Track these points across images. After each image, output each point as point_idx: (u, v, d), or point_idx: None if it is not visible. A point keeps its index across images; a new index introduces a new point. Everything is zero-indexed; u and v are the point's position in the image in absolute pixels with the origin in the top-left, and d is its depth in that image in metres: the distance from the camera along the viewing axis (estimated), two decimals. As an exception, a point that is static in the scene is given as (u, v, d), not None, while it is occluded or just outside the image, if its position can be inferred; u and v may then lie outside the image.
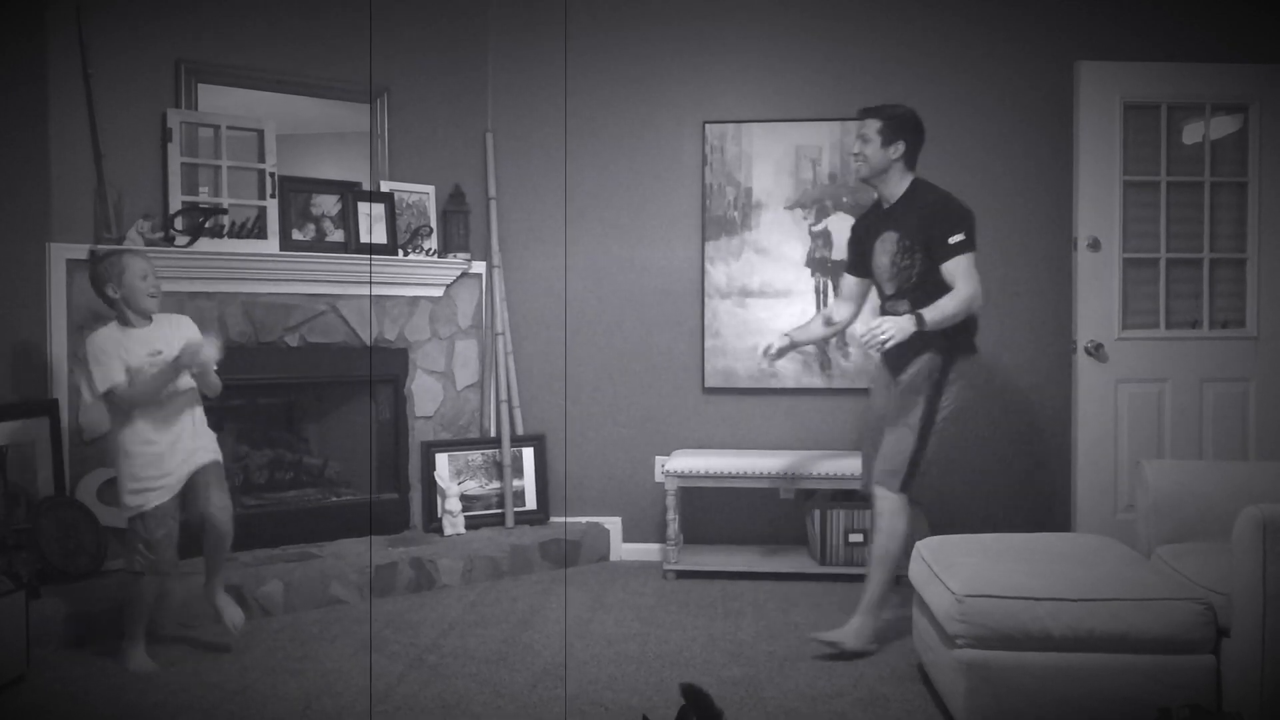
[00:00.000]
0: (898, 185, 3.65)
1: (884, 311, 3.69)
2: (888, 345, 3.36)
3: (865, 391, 4.95)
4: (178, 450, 3.48)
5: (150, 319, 3.53)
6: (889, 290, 3.71)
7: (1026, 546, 3.26)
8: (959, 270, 3.48)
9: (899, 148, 3.60)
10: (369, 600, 4.26)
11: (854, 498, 4.66)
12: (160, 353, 3.46)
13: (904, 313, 3.49)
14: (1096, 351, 4.57)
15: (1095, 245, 4.57)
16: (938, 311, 3.43)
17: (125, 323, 3.49)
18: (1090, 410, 4.58)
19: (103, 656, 3.53)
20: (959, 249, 3.47)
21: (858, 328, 3.60)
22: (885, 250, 3.66)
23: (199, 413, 3.59)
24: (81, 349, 3.57)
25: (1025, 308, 4.93)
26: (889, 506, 3.58)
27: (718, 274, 5.05)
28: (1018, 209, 4.93)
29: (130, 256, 3.54)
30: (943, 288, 3.49)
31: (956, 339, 3.56)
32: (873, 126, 3.62)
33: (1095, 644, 2.79)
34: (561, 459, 5.18)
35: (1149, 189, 4.62)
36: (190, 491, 3.50)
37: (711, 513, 5.06)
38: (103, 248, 3.97)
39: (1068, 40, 4.82)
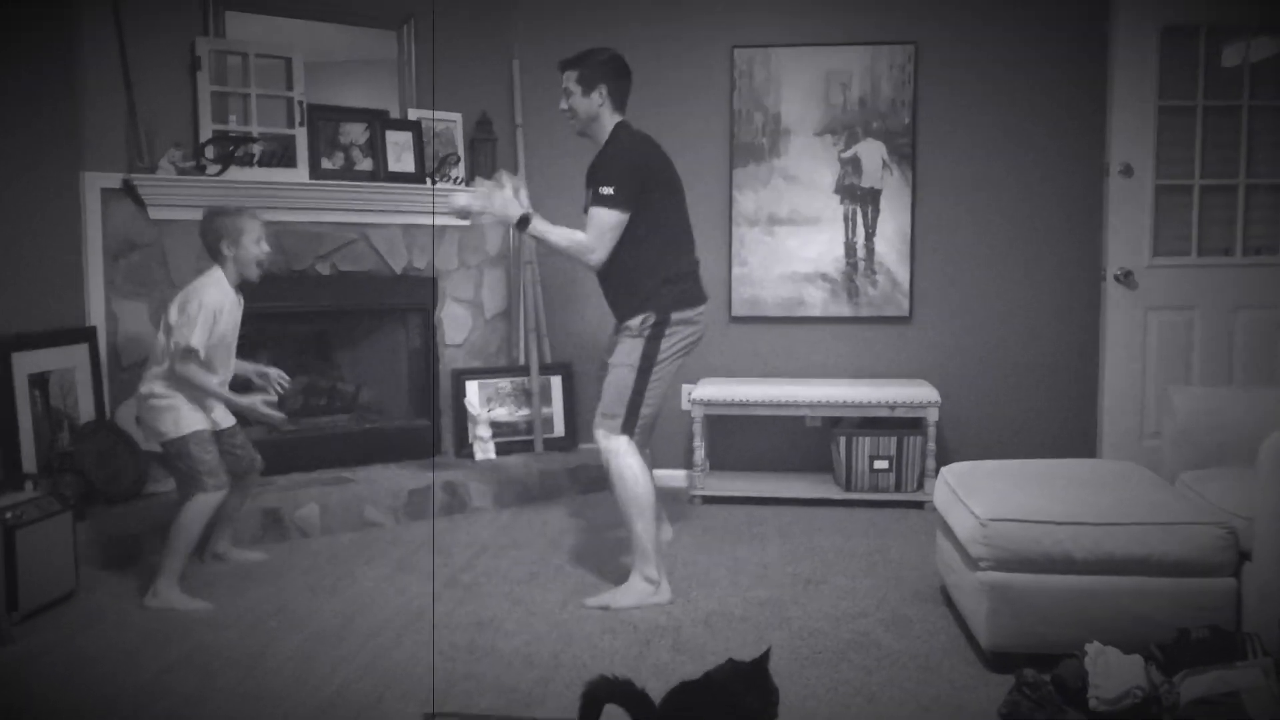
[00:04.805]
0: (607, 132, 3.52)
1: None
2: (483, 216, 3.54)
3: (892, 320, 5.00)
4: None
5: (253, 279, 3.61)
6: None
7: (1050, 472, 3.29)
8: (592, 219, 3.39)
9: (601, 92, 3.47)
10: (403, 522, 4.37)
11: (879, 425, 4.70)
12: (238, 327, 3.58)
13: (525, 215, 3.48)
14: (1126, 279, 4.55)
15: (1127, 171, 4.52)
16: (547, 229, 3.46)
17: (229, 278, 3.53)
18: (1119, 338, 4.57)
19: (144, 576, 3.64)
20: (602, 201, 3.37)
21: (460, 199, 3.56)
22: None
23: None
24: (193, 291, 3.48)
25: (1054, 235, 4.90)
26: (613, 447, 3.42)
27: (745, 201, 5.04)
28: (1049, 134, 4.87)
29: (250, 219, 3.54)
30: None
31: (670, 296, 3.45)
32: (571, 77, 3.50)
33: (1116, 567, 2.83)
34: (589, 387, 5.22)
35: (1184, 114, 4.55)
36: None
37: (738, 440, 5.11)
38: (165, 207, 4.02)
39: (1104, -39, 4.72)
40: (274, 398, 3.68)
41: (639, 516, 3.43)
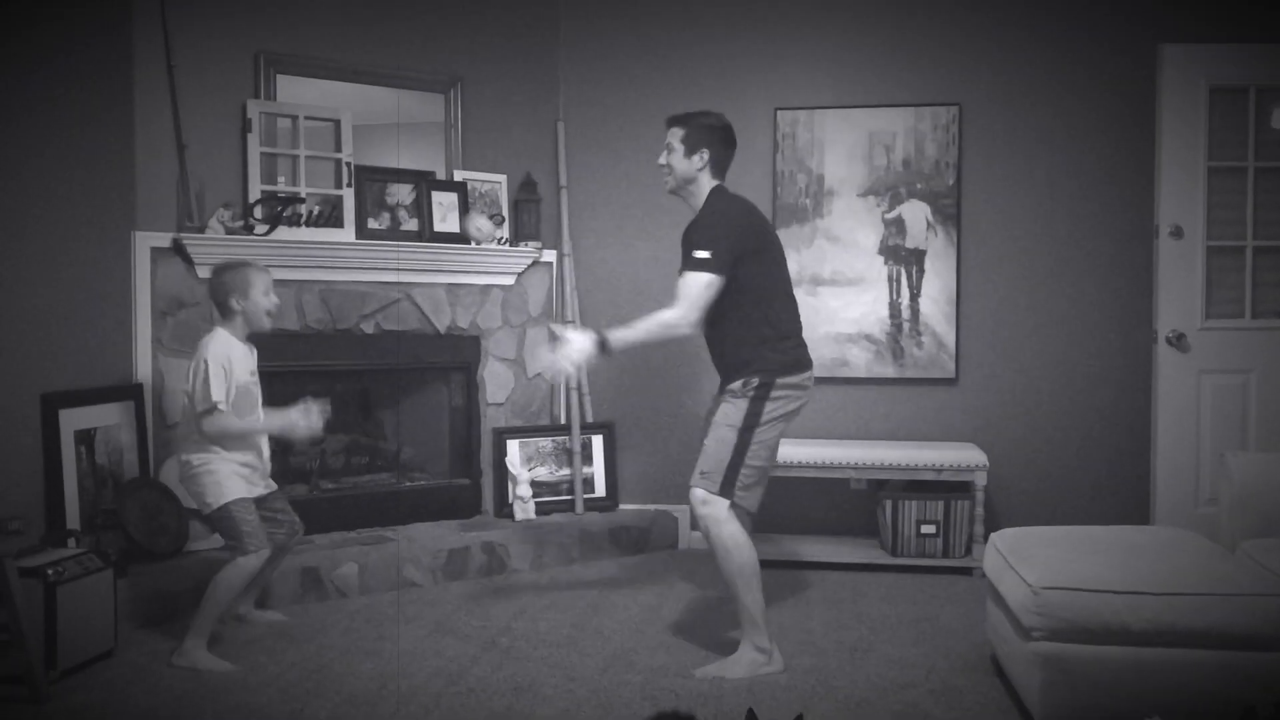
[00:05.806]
0: (702, 195, 3.47)
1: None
2: (569, 372, 3.46)
3: (938, 382, 4.93)
4: (261, 440, 3.62)
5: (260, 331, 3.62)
6: None
7: (1105, 539, 3.20)
8: (683, 285, 3.33)
9: (703, 156, 3.43)
10: (440, 583, 4.32)
11: (926, 488, 4.61)
12: (255, 373, 3.58)
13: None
14: (1178, 341, 4.47)
15: (1177, 233, 4.46)
16: (628, 333, 3.34)
17: (235, 334, 3.55)
18: (1171, 401, 4.48)
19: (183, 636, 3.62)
20: (696, 265, 3.31)
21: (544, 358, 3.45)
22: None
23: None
24: (197, 352, 3.51)
25: (1104, 296, 4.83)
26: (711, 513, 3.31)
27: (789, 262, 5.00)
28: (1096, 195, 4.83)
29: (255, 271, 3.57)
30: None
31: (774, 360, 3.38)
32: (676, 135, 3.46)
33: (1177, 639, 2.73)
34: (631, 447, 5.20)
35: (1234, 175, 4.50)
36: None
37: (781, 502, 5.03)
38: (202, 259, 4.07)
39: (1151, 22, 4.70)
40: (312, 413, 3.58)
41: (745, 586, 3.31)
